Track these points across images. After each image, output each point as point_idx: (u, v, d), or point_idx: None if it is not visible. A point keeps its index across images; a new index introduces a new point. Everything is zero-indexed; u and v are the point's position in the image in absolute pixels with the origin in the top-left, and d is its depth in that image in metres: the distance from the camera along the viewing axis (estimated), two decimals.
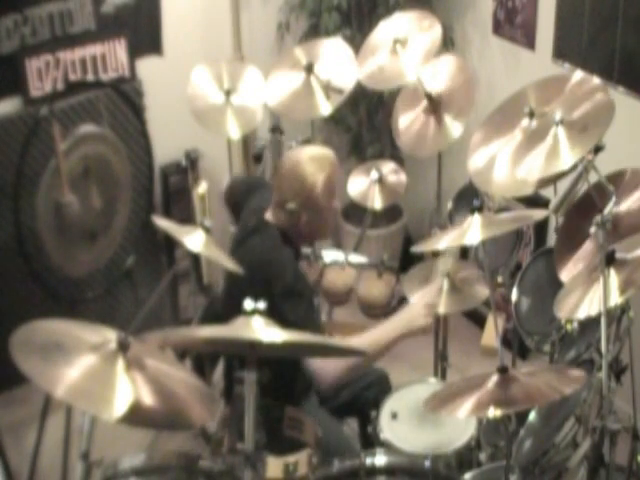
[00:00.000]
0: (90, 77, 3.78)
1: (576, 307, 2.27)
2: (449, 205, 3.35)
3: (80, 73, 3.75)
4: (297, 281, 2.71)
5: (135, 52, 3.89)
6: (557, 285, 2.51)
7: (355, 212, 4.28)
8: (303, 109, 3.46)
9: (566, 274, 2.67)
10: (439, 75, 3.17)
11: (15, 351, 1.81)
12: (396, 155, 4.11)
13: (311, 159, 2.75)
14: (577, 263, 2.66)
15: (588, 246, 2.66)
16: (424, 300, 2.83)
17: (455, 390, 2.22)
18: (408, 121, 3.21)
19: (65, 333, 1.97)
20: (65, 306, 3.70)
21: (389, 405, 2.76)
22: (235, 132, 3.51)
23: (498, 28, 3.95)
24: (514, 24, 3.85)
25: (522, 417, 2.54)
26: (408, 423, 2.69)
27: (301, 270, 2.83)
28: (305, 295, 2.72)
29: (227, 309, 2.62)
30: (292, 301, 2.62)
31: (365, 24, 4.01)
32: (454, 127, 3.07)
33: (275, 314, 2.09)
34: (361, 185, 3.38)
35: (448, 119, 3.09)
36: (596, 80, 2.66)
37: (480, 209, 2.41)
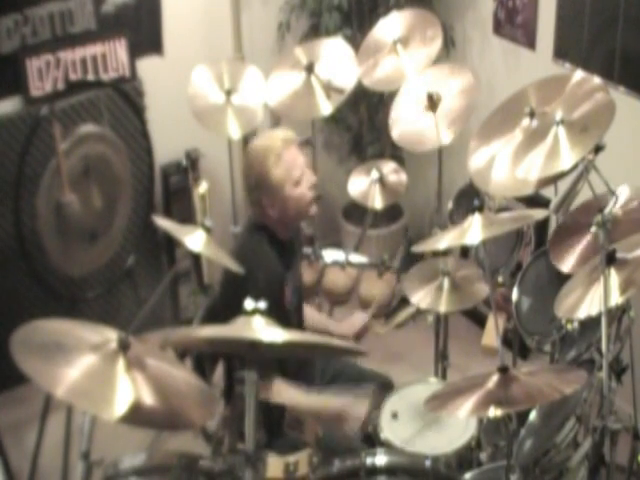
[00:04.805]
0: (90, 77, 3.78)
1: (576, 307, 2.27)
2: (449, 205, 3.34)
3: (80, 73, 3.75)
4: (259, 270, 2.69)
5: (135, 52, 3.89)
6: (558, 285, 2.50)
7: (355, 212, 4.29)
8: (303, 109, 3.47)
9: (564, 265, 2.67)
10: (443, 81, 3.19)
11: (15, 351, 1.81)
12: (396, 155, 4.11)
13: (259, 145, 2.79)
14: (574, 255, 2.67)
15: (585, 239, 2.67)
16: (357, 410, 2.68)
17: (455, 390, 2.22)
18: (404, 113, 3.22)
19: (65, 333, 1.97)
20: (65, 306, 3.70)
21: (389, 405, 2.76)
22: (235, 132, 3.51)
23: (499, 28, 3.95)
24: (515, 24, 3.84)
25: (523, 417, 2.53)
26: (408, 423, 2.68)
27: (273, 265, 2.78)
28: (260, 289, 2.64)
29: (221, 308, 2.72)
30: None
31: (366, 24, 4.00)
32: (447, 133, 3.09)
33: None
34: (361, 185, 3.38)
35: (444, 123, 3.10)
36: (596, 80, 2.66)
37: (480, 209, 2.41)
